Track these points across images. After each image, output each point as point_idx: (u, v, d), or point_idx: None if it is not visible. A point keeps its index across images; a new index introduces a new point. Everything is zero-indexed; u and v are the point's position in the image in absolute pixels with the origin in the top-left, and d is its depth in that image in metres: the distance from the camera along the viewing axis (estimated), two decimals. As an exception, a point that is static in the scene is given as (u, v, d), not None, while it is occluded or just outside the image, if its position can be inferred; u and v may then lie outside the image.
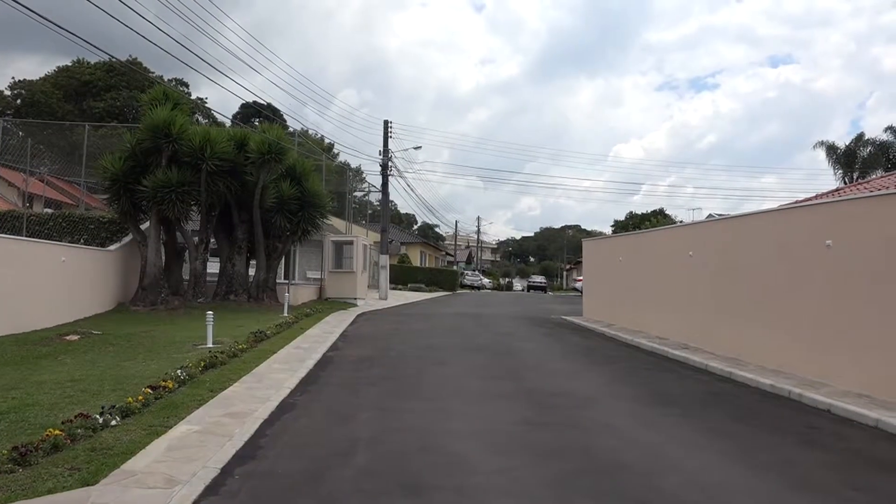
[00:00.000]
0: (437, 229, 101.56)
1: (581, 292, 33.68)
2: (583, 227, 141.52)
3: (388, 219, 35.88)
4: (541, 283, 72.06)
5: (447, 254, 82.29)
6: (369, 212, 57.20)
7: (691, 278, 15.43)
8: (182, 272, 21.85)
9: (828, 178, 72.91)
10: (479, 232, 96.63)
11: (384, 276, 32.93)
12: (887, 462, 6.72)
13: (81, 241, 19.55)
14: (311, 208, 22.81)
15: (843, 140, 77.79)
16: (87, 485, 5.14)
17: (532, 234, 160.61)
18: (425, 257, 66.03)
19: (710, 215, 37.15)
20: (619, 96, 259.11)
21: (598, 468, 6.13)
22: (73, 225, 20.15)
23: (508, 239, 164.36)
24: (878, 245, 9.58)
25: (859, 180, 36.08)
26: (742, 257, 13.24)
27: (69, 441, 6.07)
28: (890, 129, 44.09)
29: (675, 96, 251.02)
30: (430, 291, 46.43)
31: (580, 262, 42.01)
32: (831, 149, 45.55)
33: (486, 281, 73.11)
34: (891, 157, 43.29)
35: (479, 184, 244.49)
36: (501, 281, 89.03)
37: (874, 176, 33.77)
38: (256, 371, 10.32)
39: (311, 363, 11.39)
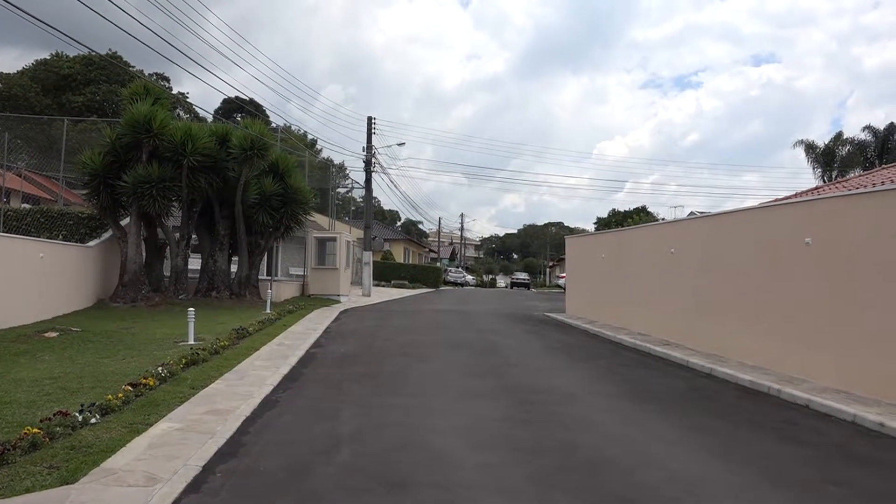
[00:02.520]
0: (420, 226, 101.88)
1: (564, 289, 33.92)
2: (566, 224, 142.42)
3: (371, 215, 35.88)
4: (524, 279, 72.14)
5: (430, 251, 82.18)
6: (353, 208, 57.05)
7: (673, 275, 15.57)
8: (163, 268, 21.65)
9: (808, 177, 74.03)
10: (462, 229, 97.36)
11: (367, 273, 32.90)
12: (864, 457, 6.83)
13: (60, 237, 19.31)
14: (294, 204, 22.72)
15: (823, 139, 78.96)
16: (67, 483, 5.09)
17: (516, 231, 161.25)
18: (409, 254, 66.09)
19: (692, 213, 37.47)
20: (604, 94, 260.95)
21: (579, 464, 6.17)
22: (51, 221, 19.89)
23: (492, 236, 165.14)
24: (857, 243, 9.72)
25: (838, 179, 36.58)
26: (723, 254, 13.38)
27: (48, 439, 6.00)
28: (868, 128, 44.77)
29: (659, 94, 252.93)
30: (414, 288, 46.46)
31: (563, 259, 41.95)
32: (810, 147, 46.10)
33: (469, 278, 73.13)
34: (868, 156, 43.91)
35: (464, 181, 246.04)
36: (485, 278, 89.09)
37: (852, 174, 34.24)
38: (238, 368, 10.27)
39: (293, 360, 11.36)
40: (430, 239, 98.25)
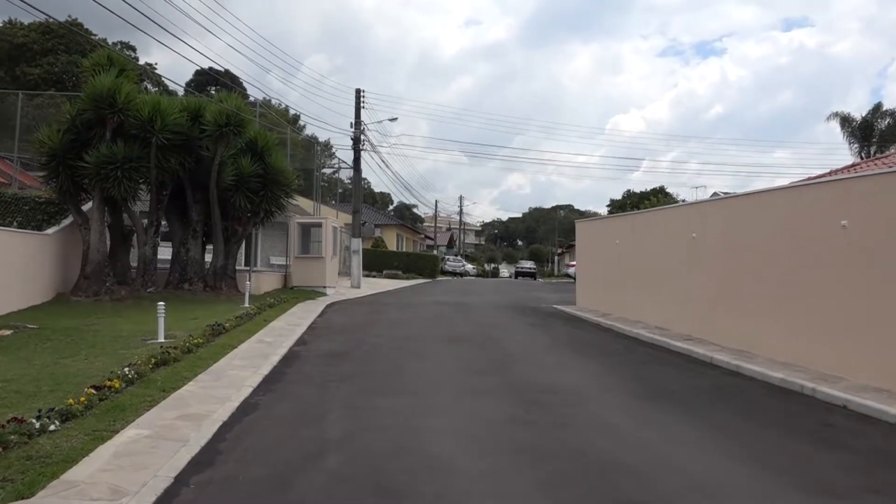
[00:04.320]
0: (414, 210, 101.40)
1: (574, 279, 33.77)
2: (576, 207, 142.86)
3: (360, 198, 35.73)
4: (530, 268, 72.39)
5: (426, 237, 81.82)
6: (339, 191, 57.01)
7: (694, 263, 15.53)
8: (130, 258, 21.58)
9: (844, 153, 73.80)
10: (461, 213, 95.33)
11: (356, 262, 32.85)
12: (907, 461, 6.82)
13: (14, 223, 19.23)
14: (275, 187, 22.62)
15: (860, 111, 78.52)
16: (23, 498, 5.06)
17: (520, 216, 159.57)
18: (402, 241, 65.95)
19: (715, 193, 37.40)
20: (618, 62, 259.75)
21: (592, 471, 6.16)
22: (4, 206, 19.81)
23: (494, 220, 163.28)
24: (899, 225, 9.67)
25: (877, 155, 36.46)
26: (750, 239, 13.34)
27: (1, 449, 5.96)
28: (911, 98, 44.40)
29: (679, 62, 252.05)
30: (408, 279, 46.44)
31: (573, 245, 41.58)
32: (846, 120, 45.93)
33: (469, 267, 73.05)
34: (912, 129, 43.74)
35: (463, 159, 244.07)
36: (486, 267, 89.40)
37: (893, 150, 34.09)
38: (214, 368, 10.26)
39: (275, 359, 11.36)
40: (425, 224, 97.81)
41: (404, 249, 63.34)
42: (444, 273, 62.24)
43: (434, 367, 11.36)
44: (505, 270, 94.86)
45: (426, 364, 11.59)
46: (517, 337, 15.54)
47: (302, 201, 35.06)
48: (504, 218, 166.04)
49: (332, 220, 29.69)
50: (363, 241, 35.98)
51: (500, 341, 14.71)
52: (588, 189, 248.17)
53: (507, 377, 10.55)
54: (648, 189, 68.90)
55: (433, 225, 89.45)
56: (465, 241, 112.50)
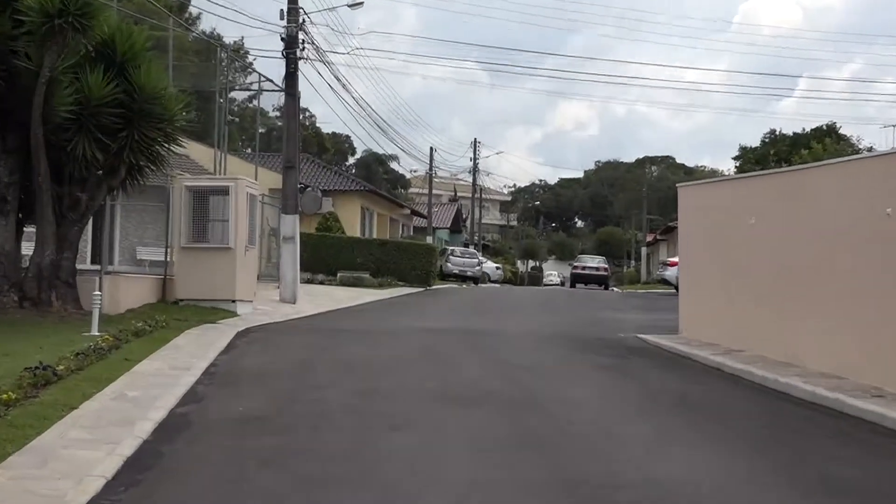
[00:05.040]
0: (393, 166, 71.35)
1: (676, 286, 25.21)
2: (678, 160, 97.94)
3: (297, 145, 24.01)
4: (597, 269, 48.70)
5: (414, 213, 55.37)
6: (261, 131, 40.03)
7: (892, 258, 11.00)
8: None
9: None
10: (475, 170, 64.22)
11: (290, 258, 22.31)
12: None
13: None
14: (146, 123, 15.92)
15: None
16: None
17: (580, 176, 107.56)
18: (371, 219, 44.90)
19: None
20: None
21: None
22: None
23: (533, 184, 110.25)
24: None
25: None
26: None
27: None
28: None
29: None
30: (382, 287, 30.86)
31: (674, 227, 30.64)
32: None
33: (490, 265, 53.23)
34: None
35: (480, 77, 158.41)
36: (521, 265, 68.14)
37: None
38: (37, 445, 7.12)
39: (146, 427, 7.77)
40: (412, 192, 70.70)
41: (375, 235, 43.23)
42: (448, 276, 43.33)
43: (424, 445, 7.57)
44: (553, 272, 71.38)
45: (411, 439, 7.74)
46: (576, 395, 10.65)
47: (195, 150, 25.09)
48: (551, 180, 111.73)
49: (249, 182, 20.14)
50: (304, 219, 26.01)
51: (544, 403, 10.07)
52: (701, 130, 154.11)
53: (564, 472, 6.73)
54: (808, 129, 47.51)
55: (426, 192, 57.13)
56: (484, 222, 77.43)
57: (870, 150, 31.28)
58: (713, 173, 70.87)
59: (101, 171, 16.08)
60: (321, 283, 29.95)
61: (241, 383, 10.78)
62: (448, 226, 62.47)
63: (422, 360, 13.23)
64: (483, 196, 70.78)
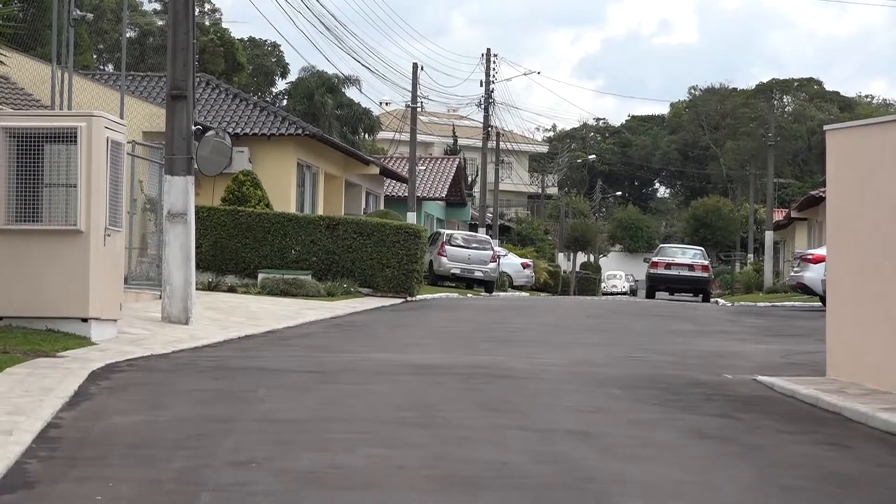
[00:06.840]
0: (353, 93, 46.49)
1: (821, 296, 16.24)
2: (828, 87, 68.10)
3: (191, 58, 14.00)
4: (690, 267, 33.08)
5: (386, 172, 36.07)
6: (130, 35, 26.67)
7: None
8: None
9: None
10: (488, 101, 42.96)
11: (179, 248, 14.17)
12: None
13: None
14: None
15: None
16: None
17: (663, 113, 74.16)
18: (315, 182, 30.15)
19: None
20: None
21: None
22: None
23: (585, 126, 75.14)
24: None
25: None
26: None
27: None
28: None
29: None
30: (332, 297, 20.45)
31: (821, 198, 21.56)
32: None
33: (514, 260, 37.26)
34: None
35: None
36: (564, 261, 45.94)
37: None
38: None
39: None
40: (384, 137, 47.62)
41: (321, 210, 29.17)
42: (443, 279, 30.74)
43: None
44: (617, 272, 51.17)
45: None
46: (649, 476, 5.48)
47: (19, 66, 17.10)
48: (616, 120, 77.61)
49: (111, 121, 12.61)
50: (203, 184, 18.92)
51: (597, 484, 5.12)
52: (866, 36, 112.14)
53: None
54: None
55: (407, 139, 37.58)
56: (504, 188, 52.03)
57: None
58: (887, 109, 48.28)
59: None
60: (231, 289, 20.34)
61: (96, 461, 5.55)
62: (443, 195, 41.60)
63: (405, 423, 7.55)
64: (502, 145, 47.47)
